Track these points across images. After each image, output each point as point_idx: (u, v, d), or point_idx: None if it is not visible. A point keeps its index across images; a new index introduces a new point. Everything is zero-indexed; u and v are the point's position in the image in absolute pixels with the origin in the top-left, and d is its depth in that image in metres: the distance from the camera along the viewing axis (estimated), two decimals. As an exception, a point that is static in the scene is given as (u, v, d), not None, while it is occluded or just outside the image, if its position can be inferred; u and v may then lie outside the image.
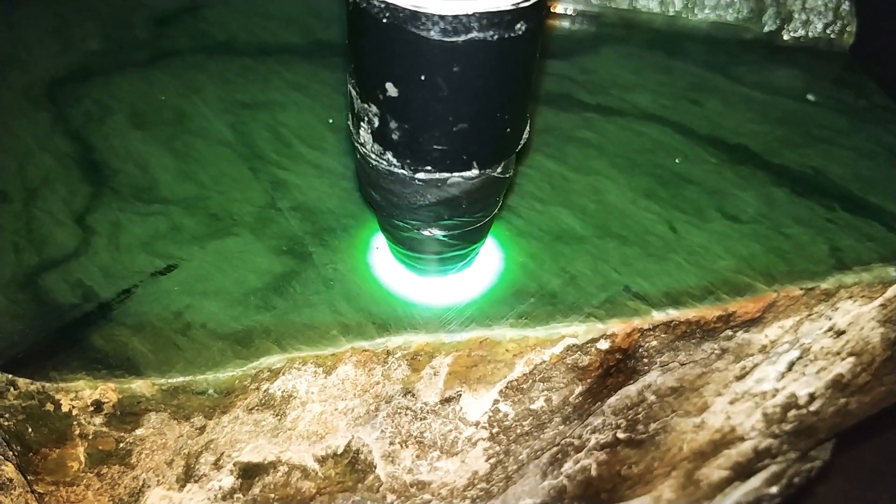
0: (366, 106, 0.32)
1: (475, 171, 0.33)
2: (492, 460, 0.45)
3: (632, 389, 0.46)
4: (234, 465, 0.40)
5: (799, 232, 0.47)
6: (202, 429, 0.38)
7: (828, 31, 0.66)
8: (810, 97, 0.60)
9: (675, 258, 0.44)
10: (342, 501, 0.45)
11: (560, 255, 0.44)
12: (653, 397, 0.47)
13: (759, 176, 0.51)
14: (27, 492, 0.39)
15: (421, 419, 0.42)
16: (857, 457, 0.82)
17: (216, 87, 0.54)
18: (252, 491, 0.42)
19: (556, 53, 0.62)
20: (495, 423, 0.43)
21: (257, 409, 0.38)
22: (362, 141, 0.34)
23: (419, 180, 0.33)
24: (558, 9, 0.66)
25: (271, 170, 0.48)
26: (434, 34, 0.28)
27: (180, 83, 0.54)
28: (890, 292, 0.46)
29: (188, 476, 0.40)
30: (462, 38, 0.28)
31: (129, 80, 0.54)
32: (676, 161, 0.52)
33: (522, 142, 0.35)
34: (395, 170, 0.33)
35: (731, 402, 0.50)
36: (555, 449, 0.48)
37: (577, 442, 0.48)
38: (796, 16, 0.65)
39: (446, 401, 0.41)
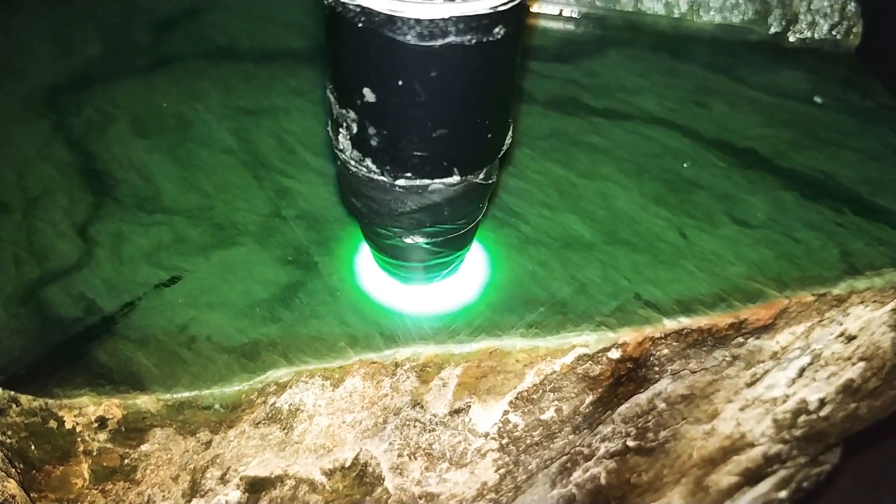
0: (344, 111, 0.32)
1: (456, 178, 0.33)
2: (501, 471, 0.45)
3: (642, 397, 0.46)
4: (241, 479, 0.40)
5: (809, 237, 0.46)
6: (208, 444, 0.37)
7: (833, 33, 0.65)
8: (817, 99, 0.59)
9: (686, 265, 0.44)
10: (350, 514, 0.44)
11: (569, 263, 0.43)
12: (663, 405, 0.47)
13: (768, 180, 0.51)
14: (30, 509, 0.38)
15: (430, 431, 0.41)
16: (863, 459, 0.82)
17: (218, 94, 0.53)
18: (259, 505, 0.41)
19: (560, 56, 0.61)
20: (505, 434, 0.42)
21: (264, 423, 0.38)
22: (341, 147, 0.33)
23: (399, 187, 0.33)
24: (564, 11, 0.66)
25: (276, 178, 0.47)
26: (410, 38, 0.28)
27: (182, 89, 0.53)
28: (901, 297, 0.46)
29: (194, 491, 0.39)
30: (439, 42, 0.28)
31: (130, 87, 0.53)
32: (685, 165, 0.51)
33: (505, 147, 0.34)
34: (375, 176, 0.33)
35: (742, 409, 0.49)
36: (564, 458, 0.47)
37: (586, 450, 0.48)
38: (802, 17, 0.65)
39: (455, 412, 0.41)
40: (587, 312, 0.40)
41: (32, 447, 0.35)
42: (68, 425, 0.35)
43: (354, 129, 0.32)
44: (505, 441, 0.43)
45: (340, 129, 0.33)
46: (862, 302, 0.45)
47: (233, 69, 0.56)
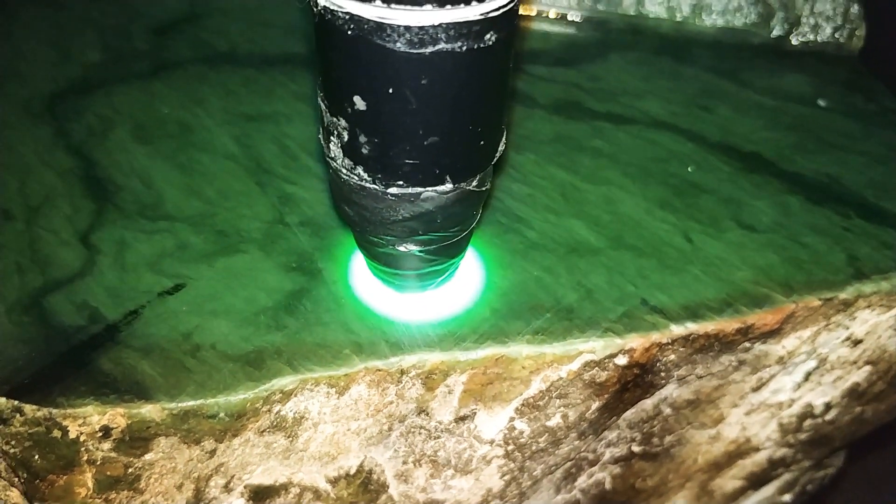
0: (335, 119, 0.31)
1: (449, 186, 0.32)
2: (506, 477, 0.44)
3: (648, 403, 0.45)
4: (245, 487, 0.39)
5: (815, 241, 0.46)
6: (212, 452, 0.37)
7: (836, 36, 0.65)
8: (821, 102, 0.59)
9: (693, 270, 0.44)
10: (355, 522, 0.44)
11: (575, 268, 0.43)
12: (669, 410, 0.47)
13: (774, 184, 0.51)
14: (34, 519, 0.38)
15: (435, 438, 0.41)
16: (868, 463, 0.81)
17: (219, 99, 0.53)
18: (264, 513, 0.41)
19: (563, 60, 0.61)
20: (510, 441, 0.42)
21: (269, 432, 0.38)
22: (333, 155, 0.33)
23: (392, 195, 0.32)
24: (567, 15, 0.65)
25: (278, 184, 0.47)
26: (400, 46, 0.27)
27: (183, 95, 0.53)
28: (908, 301, 0.45)
29: (198, 499, 0.39)
30: (429, 49, 0.28)
31: (130, 93, 0.53)
32: (689, 170, 0.51)
33: (498, 154, 0.34)
34: (367, 185, 0.32)
35: (747, 414, 0.49)
36: (569, 464, 0.47)
37: (591, 456, 0.48)
38: (805, 20, 0.65)
39: (461, 419, 0.41)
40: (593, 318, 0.40)
41: (36, 456, 0.35)
42: (72, 435, 0.34)
43: (346, 137, 0.31)
44: (510, 448, 0.42)
45: (332, 138, 0.32)
46: (868, 306, 0.45)
47: (233, 74, 0.56)
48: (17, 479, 0.36)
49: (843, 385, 0.50)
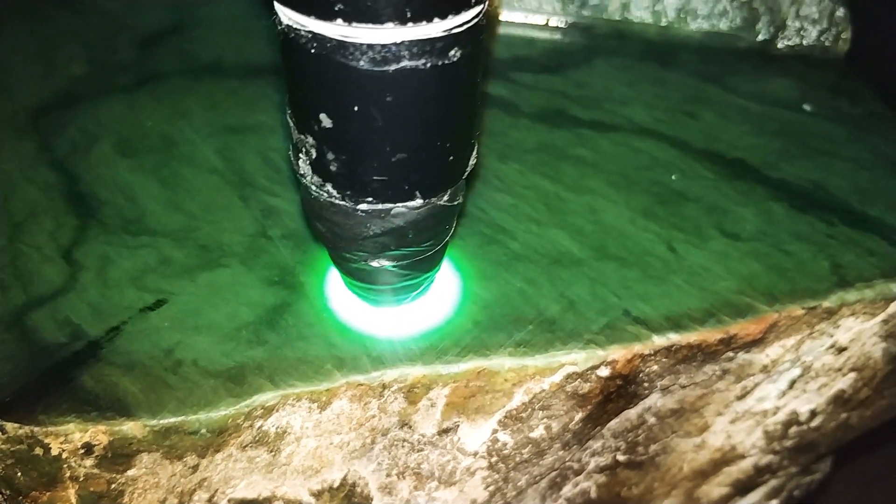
0: (303, 137, 0.31)
1: (419, 201, 0.32)
2: (490, 488, 0.44)
3: (632, 413, 0.45)
4: (229, 501, 0.40)
5: (799, 248, 0.46)
6: (195, 467, 0.37)
7: (822, 39, 0.65)
8: (806, 107, 0.59)
9: (675, 280, 0.44)
10: (340, 534, 0.44)
11: (558, 280, 0.43)
12: (653, 419, 0.47)
13: (758, 191, 0.51)
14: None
15: (418, 451, 0.41)
16: (855, 468, 0.81)
17: (203, 112, 0.53)
18: (248, 527, 0.41)
19: (548, 67, 0.61)
20: (494, 453, 0.42)
21: (251, 447, 0.38)
22: (302, 172, 0.33)
23: (361, 211, 0.33)
24: (551, 21, 0.65)
25: (261, 197, 0.47)
26: (363, 64, 0.27)
27: (167, 108, 0.53)
28: (892, 308, 0.45)
29: (182, 514, 0.39)
30: (393, 67, 0.27)
31: (114, 106, 0.53)
32: (673, 177, 0.51)
33: (470, 168, 0.34)
34: (337, 201, 0.33)
35: (732, 422, 0.49)
36: (554, 473, 0.47)
37: (576, 466, 0.48)
38: (790, 23, 0.65)
39: (444, 432, 0.41)
40: (576, 330, 0.40)
41: (19, 473, 0.35)
42: (54, 452, 0.34)
43: (314, 154, 0.31)
44: (494, 459, 0.42)
45: (300, 154, 0.32)
46: (853, 314, 0.45)
47: (218, 86, 0.56)
48: (0, 496, 0.37)
49: (828, 392, 0.50)
